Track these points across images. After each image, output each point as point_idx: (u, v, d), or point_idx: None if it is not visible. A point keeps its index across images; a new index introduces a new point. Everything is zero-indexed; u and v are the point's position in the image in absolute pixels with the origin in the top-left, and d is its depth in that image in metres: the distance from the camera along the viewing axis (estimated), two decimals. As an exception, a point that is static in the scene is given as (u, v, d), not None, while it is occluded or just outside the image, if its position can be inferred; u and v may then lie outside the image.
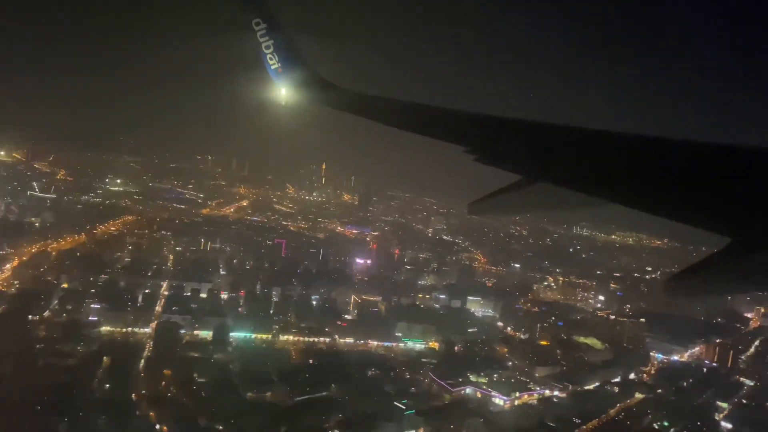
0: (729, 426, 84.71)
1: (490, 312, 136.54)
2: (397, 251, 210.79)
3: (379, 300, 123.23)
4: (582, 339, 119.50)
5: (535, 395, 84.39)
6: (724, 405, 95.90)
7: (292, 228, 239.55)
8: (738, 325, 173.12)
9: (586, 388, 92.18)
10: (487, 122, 8.29)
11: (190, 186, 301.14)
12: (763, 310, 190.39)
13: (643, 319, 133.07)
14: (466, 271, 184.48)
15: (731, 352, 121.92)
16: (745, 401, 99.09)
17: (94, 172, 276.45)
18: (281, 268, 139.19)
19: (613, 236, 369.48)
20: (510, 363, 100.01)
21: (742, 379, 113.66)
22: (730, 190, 4.96)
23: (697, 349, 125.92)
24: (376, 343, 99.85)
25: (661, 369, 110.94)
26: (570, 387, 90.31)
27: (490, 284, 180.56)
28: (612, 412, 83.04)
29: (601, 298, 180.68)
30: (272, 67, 12.17)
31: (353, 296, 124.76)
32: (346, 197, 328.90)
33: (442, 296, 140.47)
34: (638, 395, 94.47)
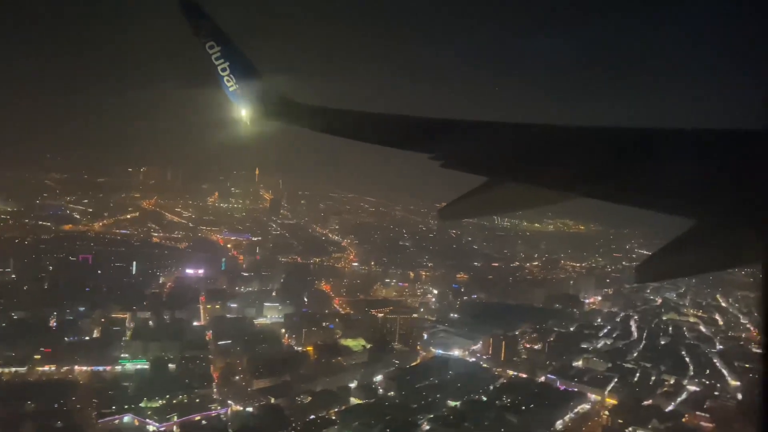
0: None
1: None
2: (241, 258, 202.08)
3: (130, 316, 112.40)
4: (349, 341, 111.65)
5: (200, 416, 74.45)
6: (454, 403, 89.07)
7: (155, 240, 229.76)
8: (573, 311, 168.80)
9: (300, 397, 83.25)
10: (452, 127, 8.12)
11: (86, 201, 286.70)
12: (603, 295, 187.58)
13: (415, 315, 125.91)
14: (296, 274, 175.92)
15: (503, 343, 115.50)
16: (477, 397, 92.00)
17: None
18: (57, 287, 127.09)
19: (536, 224, 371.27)
20: (224, 378, 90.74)
21: (502, 372, 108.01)
22: (694, 173, 4.89)
23: (480, 343, 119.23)
24: (84, 368, 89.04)
25: (415, 369, 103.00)
26: (273, 400, 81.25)
27: (328, 287, 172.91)
28: (298, 424, 74.15)
29: (435, 291, 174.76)
30: (230, 88, 11.67)
31: (124, 314, 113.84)
32: (265, 204, 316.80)
33: (233, 305, 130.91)
34: (354, 401, 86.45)
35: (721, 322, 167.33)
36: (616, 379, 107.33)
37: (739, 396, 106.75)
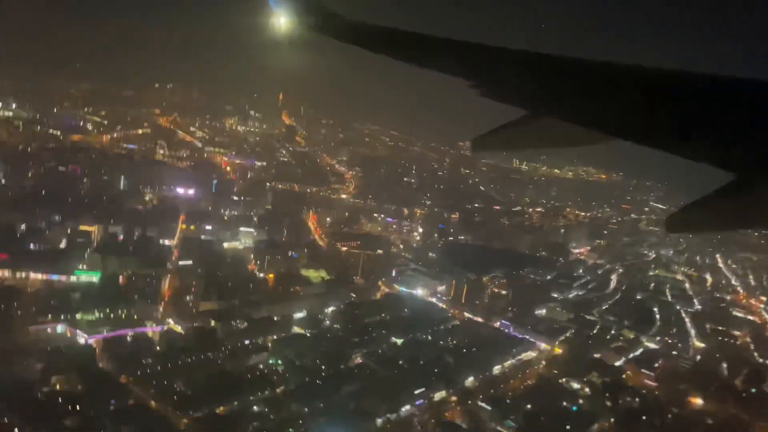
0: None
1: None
2: (239, 180, 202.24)
3: (99, 229, 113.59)
4: (310, 272, 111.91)
5: (132, 332, 75.65)
6: (398, 341, 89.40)
7: (159, 157, 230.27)
8: (559, 259, 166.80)
9: (237, 322, 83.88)
10: (495, 54, 7.59)
11: (103, 113, 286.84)
12: (593, 246, 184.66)
13: (381, 252, 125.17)
14: (286, 202, 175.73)
15: (465, 286, 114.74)
16: (423, 336, 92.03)
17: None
18: (38, 195, 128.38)
19: (555, 170, 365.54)
20: (174, 298, 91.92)
21: (458, 314, 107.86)
22: (738, 125, 4.72)
23: (445, 285, 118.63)
24: (40, 276, 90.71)
25: (370, 304, 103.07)
26: (213, 323, 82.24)
27: (315, 217, 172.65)
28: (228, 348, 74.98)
29: (420, 230, 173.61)
30: None
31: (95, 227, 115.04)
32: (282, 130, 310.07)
33: (208, 227, 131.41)
34: (297, 330, 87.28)
35: (709, 282, 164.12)
36: (572, 331, 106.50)
37: (698, 358, 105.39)
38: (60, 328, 73.16)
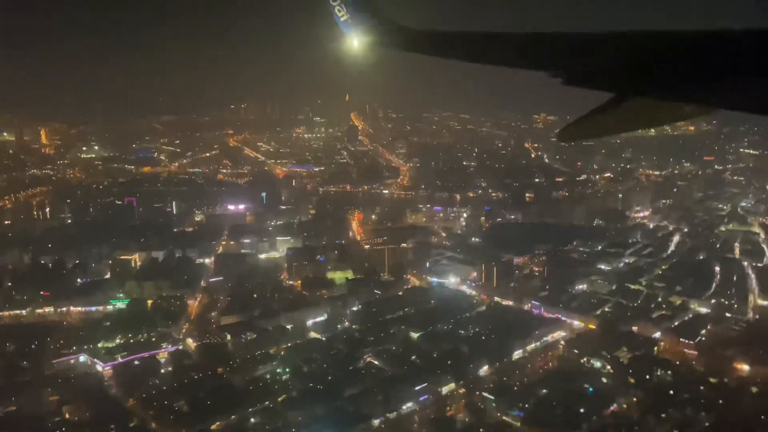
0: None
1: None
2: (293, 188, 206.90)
3: (140, 256, 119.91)
4: (337, 273, 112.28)
5: (147, 355, 78.86)
6: (416, 334, 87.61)
7: (220, 177, 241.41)
8: (617, 226, 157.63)
9: (246, 335, 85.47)
10: (573, 41, 7.54)
11: (177, 141, 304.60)
12: (655, 208, 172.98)
13: (404, 244, 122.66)
14: (334, 204, 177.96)
15: (494, 269, 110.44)
16: (443, 327, 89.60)
17: (85, 140, 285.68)
18: (92, 230, 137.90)
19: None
20: (198, 316, 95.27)
21: (488, 300, 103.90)
22: None
23: (476, 271, 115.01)
24: (80, 309, 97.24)
25: (391, 299, 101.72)
26: (229, 337, 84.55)
27: (360, 215, 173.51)
28: (236, 361, 76.87)
29: (468, 215, 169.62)
30: (342, 19, 11.86)
31: (130, 255, 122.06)
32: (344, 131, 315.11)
33: (247, 240, 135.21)
34: (313, 335, 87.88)
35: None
36: (610, 304, 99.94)
37: (755, 318, 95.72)
38: (82, 358, 77.84)
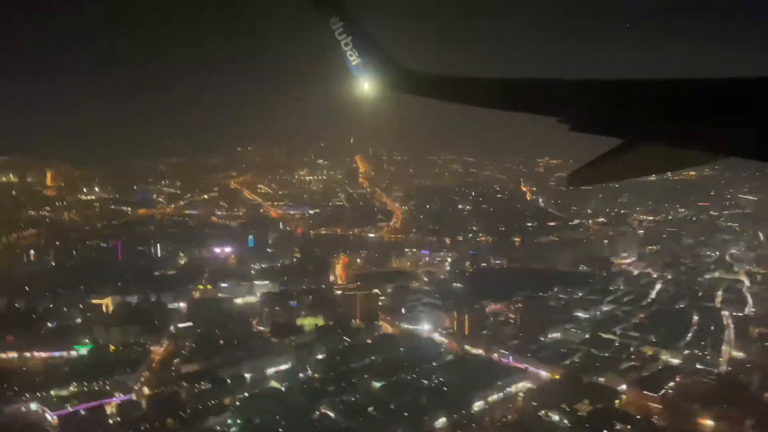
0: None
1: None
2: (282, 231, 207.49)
3: (112, 301, 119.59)
4: (306, 320, 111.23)
5: (96, 404, 77.64)
6: (379, 384, 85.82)
7: (214, 219, 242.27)
8: (602, 273, 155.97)
9: (200, 384, 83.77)
10: (582, 87, 7.61)
11: (179, 183, 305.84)
12: (641, 254, 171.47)
13: (376, 290, 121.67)
14: (321, 248, 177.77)
15: (466, 317, 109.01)
16: (407, 377, 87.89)
17: (88, 182, 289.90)
18: (71, 273, 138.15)
19: None
20: (159, 363, 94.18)
21: (457, 348, 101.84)
22: None
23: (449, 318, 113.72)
24: (43, 354, 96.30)
25: (358, 348, 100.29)
26: (186, 385, 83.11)
27: (346, 259, 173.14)
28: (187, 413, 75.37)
29: (453, 260, 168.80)
30: (353, 63, 12.01)
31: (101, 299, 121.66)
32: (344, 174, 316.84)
33: (225, 285, 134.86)
34: (274, 385, 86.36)
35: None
36: (580, 354, 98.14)
37: (727, 371, 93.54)
38: (33, 406, 76.74)
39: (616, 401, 79.77)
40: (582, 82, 7.33)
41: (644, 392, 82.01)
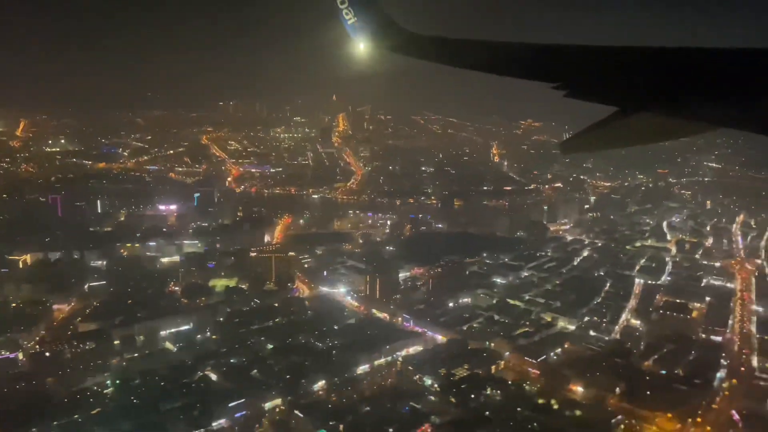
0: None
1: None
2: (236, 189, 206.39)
3: (32, 257, 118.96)
4: (220, 281, 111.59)
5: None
6: (269, 347, 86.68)
7: (172, 176, 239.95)
8: (532, 238, 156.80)
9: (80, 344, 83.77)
10: (580, 54, 7.50)
11: (149, 137, 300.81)
12: (578, 220, 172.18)
13: (292, 253, 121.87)
14: (267, 207, 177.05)
15: (378, 281, 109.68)
16: (294, 341, 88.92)
17: (60, 133, 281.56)
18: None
19: None
20: (61, 322, 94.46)
21: (365, 311, 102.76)
22: None
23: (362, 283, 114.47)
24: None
25: (261, 310, 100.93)
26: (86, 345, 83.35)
27: (289, 220, 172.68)
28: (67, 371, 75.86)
29: (394, 223, 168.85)
30: (349, 22, 11.75)
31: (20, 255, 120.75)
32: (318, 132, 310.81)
33: (152, 243, 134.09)
34: (168, 346, 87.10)
35: (704, 248, 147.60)
36: (481, 319, 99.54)
37: (616, 337, 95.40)
38: None
39: (492, 367, 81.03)
40: (578, 48, 7.25)
41: (525, 358, 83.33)
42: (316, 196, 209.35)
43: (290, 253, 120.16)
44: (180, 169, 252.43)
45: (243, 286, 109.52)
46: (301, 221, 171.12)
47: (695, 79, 5.73)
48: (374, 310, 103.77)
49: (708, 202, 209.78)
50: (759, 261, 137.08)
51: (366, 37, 11.60)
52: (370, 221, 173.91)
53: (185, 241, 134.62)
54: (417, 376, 77.28)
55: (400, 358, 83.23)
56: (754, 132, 4.66)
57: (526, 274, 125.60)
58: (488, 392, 74.22)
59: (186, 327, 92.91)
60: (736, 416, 68.64)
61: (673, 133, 6.29)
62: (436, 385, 75.05)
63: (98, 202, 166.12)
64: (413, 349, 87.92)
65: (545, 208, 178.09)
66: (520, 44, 8.34)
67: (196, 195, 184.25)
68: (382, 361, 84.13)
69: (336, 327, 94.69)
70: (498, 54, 8.75)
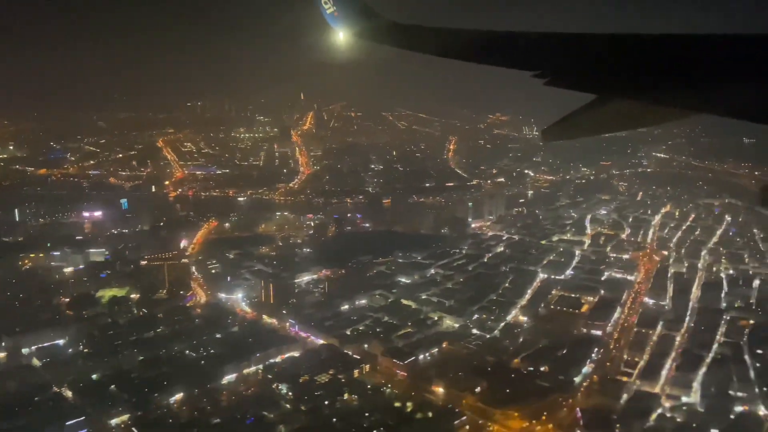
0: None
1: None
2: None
3: None
4: (110, 291, 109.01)
5: None
6: (139, 359, 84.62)
7: (112, 180, 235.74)
8: (452, 235, 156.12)
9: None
10: (559, 41, 7.47)
11: (102, 141, 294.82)
12: (500, 217, 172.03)
13: (185, 260, 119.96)
14: (195, 210, 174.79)
15: (270, 286, 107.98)
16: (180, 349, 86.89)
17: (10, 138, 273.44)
18: None
19: None
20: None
21: (253, 316, 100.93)
22: None
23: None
24: None
25: (144, 319, 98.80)
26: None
27: (215, 223, 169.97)
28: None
29: (318, 223, 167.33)
30: (328, 11, 11.44)
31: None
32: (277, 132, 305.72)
33: (56, 253, 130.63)
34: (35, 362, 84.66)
35: (617, 241, 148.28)
36: (368, 321, 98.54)
37: (496, 335, 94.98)
38: None
39: (356, 371, 79.94)
40: (558, 36, 7.22)
41: (394, 360, 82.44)
42: (249, 198, 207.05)
43: (182, 261, 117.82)
44: (123, 173, 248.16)
45: (133, 296, 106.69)
46: (228, 224, 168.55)
47: (673, 65, 5.68)
48: (265, 316, 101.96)
49: (640, 193, 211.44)
50: (666, 252, 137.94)
51: (346, 27, 11.44)
52: (297, 223, 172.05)
53: (92, 250, 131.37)
54: (275, 385, 75.74)
55: (261, 367, 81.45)
56: (729, 117, 4.58)
57: (432, 272, 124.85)
58: (345, 398, 72.97)
59: (60, 341, 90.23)
60: (579, 414, 68.29)
61: (653, 119, 6.40)
62: (290, 393, 73.62)
63: (16, 210, 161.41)
64: (288, 356, 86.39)
65: (470, 204, 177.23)
66: (500, 32, 8.20)
67: (123, 200, 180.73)
68: (251, 369, 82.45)
69: (218, 335, 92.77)
70: (478, 42, 8.64)
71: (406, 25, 10.64)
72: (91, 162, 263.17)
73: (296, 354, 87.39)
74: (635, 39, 6.37)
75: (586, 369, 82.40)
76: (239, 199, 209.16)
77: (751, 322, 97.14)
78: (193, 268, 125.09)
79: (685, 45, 5.89)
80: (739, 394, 74.44)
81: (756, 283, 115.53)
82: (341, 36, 11.45)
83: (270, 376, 78.27)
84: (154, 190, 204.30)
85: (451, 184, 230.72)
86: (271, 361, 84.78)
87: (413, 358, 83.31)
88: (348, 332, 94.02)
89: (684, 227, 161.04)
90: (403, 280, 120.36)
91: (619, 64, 6.33)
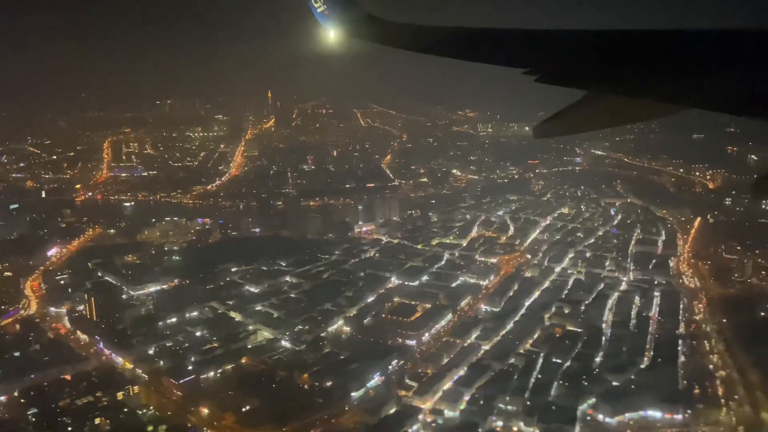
0: None
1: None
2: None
3: None
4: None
5: None
6: None
7: (30, 184, 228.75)
8: (335, 239, 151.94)
9: None
10: (549, 38, 7.27)
11: (48, 142, 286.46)
12: (386, 221, 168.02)
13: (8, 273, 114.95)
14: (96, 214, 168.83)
15: (92, 300, 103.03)
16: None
17: None
18: None
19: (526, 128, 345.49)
20: None
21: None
22: None
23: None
24: None
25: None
26: None
27: (99, 229, 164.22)
28: None
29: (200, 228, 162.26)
30: (318, 10, 11.24)
31: None
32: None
33: None
34: None
35: (491, 244, 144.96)
36: (180, 337, 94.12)
37: (302, 347, 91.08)
38: None
39: (121, 393, 75.52)
40: (548, 32, 7.08)
41: (171, 380, 78.22)
42: (156, 202, 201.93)
43: (6, 272, 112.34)
44: (46, 176, 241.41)
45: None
46: (112, 231, 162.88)
47: (663, 60, 5.59)
48: (79, 332, 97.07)
49: (548, 193, 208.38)
50: (529, 256, 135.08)
51: (336, 25, 11.16)
52: (185, 228, 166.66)
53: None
54: (30, 410, 71.17)
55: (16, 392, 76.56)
56: (716, 111, 4.51)
57: (286, 279, 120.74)
58: (96, 423, 68.60)
59: None
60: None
61: (644, 114, 6.22)
62: (34, 419, 69.05)
63: None
64: (61, 377, 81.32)
65: (359, 207, 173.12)
66: (491, 30, 8.05)
67: (14, 205, 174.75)
68: (15, 394, 77.42)
69: (17, 354, 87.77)
70: (468, 40, 8.52)
71: (398, 24, 10.36)
72: (21, 164, 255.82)
73: (68, 377, 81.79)
74: (622, 35, 6.17)
75: (373, 383, 78.66)
76: (149, 202, 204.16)
77: (569, 329, 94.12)
78: (40, 280, 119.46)
79: (673, 40, 5.73)
80: (510, 408, 71.10)
81: (599, 287, 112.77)
82: (332, 35, 11.16)
83: (23, 401, 73.28)
84: (74, 194, 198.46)
85: (372, 185, 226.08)
86: (42, 383, 79.37)
87: (192, 377, 78.91)
88: (151, 350, 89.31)
89: (568, 228, 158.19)
90: (251, 289, 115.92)
91: (606, 60, 6.14)
